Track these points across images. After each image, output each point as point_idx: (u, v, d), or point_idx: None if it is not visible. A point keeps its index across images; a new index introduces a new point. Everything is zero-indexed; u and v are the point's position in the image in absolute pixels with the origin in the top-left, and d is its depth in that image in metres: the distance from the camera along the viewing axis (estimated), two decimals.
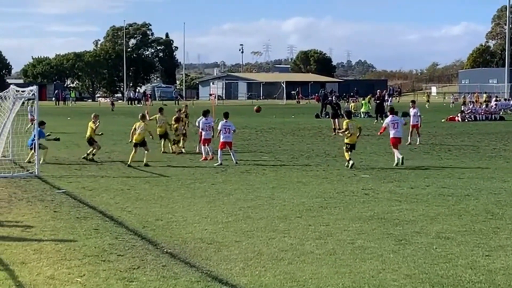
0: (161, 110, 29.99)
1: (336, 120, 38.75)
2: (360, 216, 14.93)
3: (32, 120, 30.07)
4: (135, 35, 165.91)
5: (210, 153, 25.89)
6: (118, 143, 27.37)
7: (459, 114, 53.84)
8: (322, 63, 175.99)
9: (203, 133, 26.26)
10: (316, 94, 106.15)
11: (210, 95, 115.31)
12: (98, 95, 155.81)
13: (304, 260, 11.27)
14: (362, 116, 57.94)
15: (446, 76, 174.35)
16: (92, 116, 27.19)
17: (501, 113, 59.42)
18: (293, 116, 59.81)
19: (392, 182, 20.12)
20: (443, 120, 51.72)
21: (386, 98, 72.44)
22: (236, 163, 24.41)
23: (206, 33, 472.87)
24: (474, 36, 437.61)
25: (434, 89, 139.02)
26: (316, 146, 31.57)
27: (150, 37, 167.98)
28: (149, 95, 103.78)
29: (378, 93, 56.52)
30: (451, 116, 54.09)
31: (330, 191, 18.41)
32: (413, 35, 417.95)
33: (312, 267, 10.85)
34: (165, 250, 11.95)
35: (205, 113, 26.60)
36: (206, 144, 26.17)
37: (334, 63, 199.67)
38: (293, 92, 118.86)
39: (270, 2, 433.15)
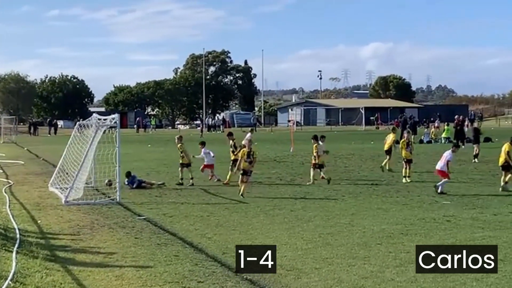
0: (319, 137, 28.16)
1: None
2: (442, 243, 14.67)
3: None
4: (214, 63, 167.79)
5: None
6: (195, 170, 27.58)
7: None
8: (401, 88, 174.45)
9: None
10: (396, 120, 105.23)
11: (289, 121, 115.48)
12: (177, 122, 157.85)
13: (384, 287, 11.13)
14: (443, 141, 57.06)
15: None
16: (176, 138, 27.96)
17: None
18: (372, 142, 59.30)
19: (474, 208, 19.75)
20: None
21: (466, 123, 71.33)
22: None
23: (284, 60, 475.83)
24: None
25: None
26: (396, 172, 31.21)
27: (229, 64, 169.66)
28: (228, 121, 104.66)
29: (456, 118, 55.60)
30: None
31: (410, 218, 18.17)
32: (494, 59, 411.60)
33: None
34: (245, 277, 11.97)
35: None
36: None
37: (413, 88, 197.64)
38: (372, 117, 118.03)
39: (348, 28, 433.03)
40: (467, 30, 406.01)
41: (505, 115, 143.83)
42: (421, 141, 57.28)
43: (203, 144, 28.53)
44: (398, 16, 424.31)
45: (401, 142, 28.75)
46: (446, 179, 23.84)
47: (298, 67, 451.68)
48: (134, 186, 26.03)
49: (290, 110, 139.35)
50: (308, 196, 23.29)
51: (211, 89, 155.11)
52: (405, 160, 28.10)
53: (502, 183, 24.06)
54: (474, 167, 33.17)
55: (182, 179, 27.01)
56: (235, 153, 27.51)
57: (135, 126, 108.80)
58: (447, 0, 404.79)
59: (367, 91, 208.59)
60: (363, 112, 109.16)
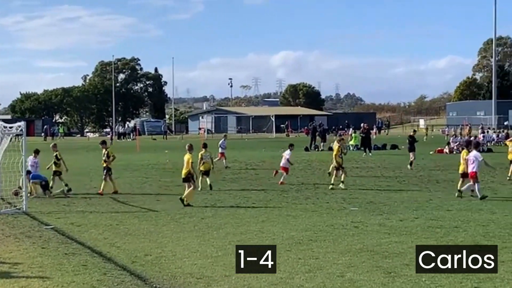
0: (205, 145, 28.26)
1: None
2: (350, 249, 14.92)
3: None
4: (124, 70, 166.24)
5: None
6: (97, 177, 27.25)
7: (446, 146, 54.05)
8: (311, 96, 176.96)
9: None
10: (305, 127, 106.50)
11: (200, 129, 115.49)
12: (87, 130, 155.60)
13: None
14: (351, 149, 58.08)
15: (434, 108, 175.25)
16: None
17: (489, 144, 59.68)
18: (282, 150, 59.76)
19: (381, 214, 20.13)
20: (431, 153, 51.85)
21: (375, 131, 72.58)
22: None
23: (194, 68, 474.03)
24: (460, 69, 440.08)
25: (422, 122, 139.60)
26: (306, 179, 31.59)
27: (139, 71, 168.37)
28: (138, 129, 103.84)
29: (362, 126, 56.87)
30: (439, 149, 54.23)
31: (319, 224, 18.40)
32: (400, 68, 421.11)
33: None
34: (154, 285, 11.90)
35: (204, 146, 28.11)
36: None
37: (322, 96, 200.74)
38: (282, 125, 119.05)
39: (258, 37, 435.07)
40: (374, 40, 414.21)
41: (411, 123, 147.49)
42: (330, 149, 58.09)
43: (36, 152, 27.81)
44: (307, 25, 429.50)
45: (335, 149, 28.74)
46: (285, 174, 29.57)
47: (209, 75, 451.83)
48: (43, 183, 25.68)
49: (201, 117, 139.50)
50: (219, 203, 23.30)
51: (121, 97, 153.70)
52: (336, 166, 28.22)
53: (465, 190, 23.96)
54: (381, 174, 33.83)
55: (51, 187, 26.72)
56: (106, 162, 27.21)
57: (42, 134, 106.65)
58: (354, 11, 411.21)
59: (278, 99, 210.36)
60: (273, 119, 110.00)
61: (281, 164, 30.30)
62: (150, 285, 11.92)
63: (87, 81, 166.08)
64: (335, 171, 28.35)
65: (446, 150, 52.79)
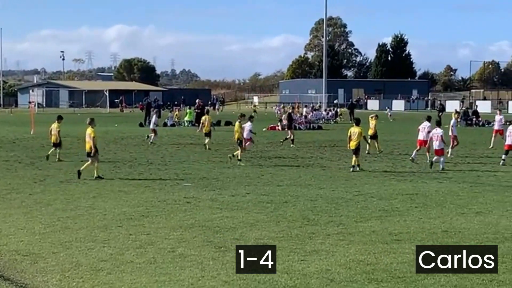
0: (92, 121, 24.63)
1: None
2: (182, 224, 14.98)
3: None
4: None
5: None
6: None
7: (279, 123, 55.23)
8: (146, 71, 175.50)
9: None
10: (140, 103, 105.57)
11: (30, 102, 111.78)
12: None
13: (123, 270, 11.16)
14: (186, 124, 58.22)
15: (268, 86, 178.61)
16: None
17: (319, 122, 61.65)
18: (116, 125, 59.02)
19: (214, 190, 20.33)
20: (264, 129, 52.81)
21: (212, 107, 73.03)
22: None
23: (24, 39, 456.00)
24: (293, 48, 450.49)
25: (256, 99, 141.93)
26: (139, 155, 31.34)
27: None
28: None
29: (198, 102, 57.18)
30: (272, 125, 55.31)
31: (152, 200, 18.34)
32: (236, 45, 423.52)
33: (132, 276, 10.77)
34: None
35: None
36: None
37: (158, 72, 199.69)
38: (116, 100, 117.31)
39: (91, 9, 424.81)
40: (210, 16, 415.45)
41: (245, 100, 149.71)
42: (165, 124, 58.07)
43: None
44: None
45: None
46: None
47: (40, 47, 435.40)
48: None
49: (31, 91, 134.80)
50: (49, 179, 22.70)
51: None
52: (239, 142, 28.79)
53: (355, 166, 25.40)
54: (215, 149, 34.03)
55: None
56: None
57: None
58: None
59: (112, 74, 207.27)
60: (107, 94, 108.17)
61: (245, 136, 30.15)
62: None
63: None
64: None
65: (279, 127, 53.90)
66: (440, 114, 62.60)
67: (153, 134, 38.16)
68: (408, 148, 34.08)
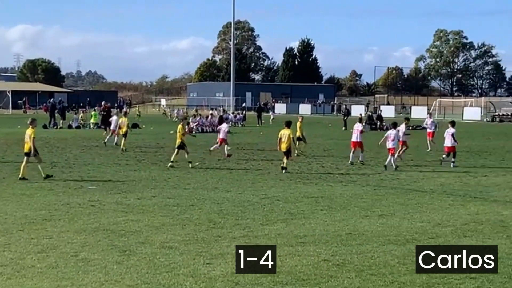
0: (33, 121, 24.01)
1: None
2: (85, 228, 14.73)
3: None
4: None
5: None
6: None
7: (187, 126, 55.00)
8: (50, 72, 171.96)
9: None
10: (44, 104, 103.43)
11: None
12: None
13: (24, 274, 10.90)
14: (92, 126, 57.39)
15: (175, 89, 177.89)
16: None
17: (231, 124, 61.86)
18: (19, 127, 57.59)
19: (119, 193, 20.08)
20: (171, 132, 52.45)
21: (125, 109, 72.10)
22: None
23: None
24: (201, 51, 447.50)
25: (163, 101, 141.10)
26: (43, 157, 30.60)
27: None
28: None
29: (103, 104, 56.55)
30: None
31: (55, 203, 17.99)
32: (143, 47, 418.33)
33: (33, 281, 10.53)
34: None
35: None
36: None
37: (63, 73, 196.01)
38: (19, 101, 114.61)
39: None
40: (116, 18, 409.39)
41: (152, 102, 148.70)
42: (69, 126, 57.15)
43: None
44: None
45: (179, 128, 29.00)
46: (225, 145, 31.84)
47: None
48: None
49: None
50: None
51: None
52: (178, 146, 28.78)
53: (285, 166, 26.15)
54: (120, 153, 33.63)
55: None
56: None
57: None
58: None
59: (15, 75, 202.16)
60: (10, 95, 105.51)
61: (220, 137, 32.55)
62: None
63: None
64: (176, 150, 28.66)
65: (186, 129, 53.61)
66: (346, 118, 63.94)
67: (115, 135, 37.95)
68: (313, 151, 34.54)
